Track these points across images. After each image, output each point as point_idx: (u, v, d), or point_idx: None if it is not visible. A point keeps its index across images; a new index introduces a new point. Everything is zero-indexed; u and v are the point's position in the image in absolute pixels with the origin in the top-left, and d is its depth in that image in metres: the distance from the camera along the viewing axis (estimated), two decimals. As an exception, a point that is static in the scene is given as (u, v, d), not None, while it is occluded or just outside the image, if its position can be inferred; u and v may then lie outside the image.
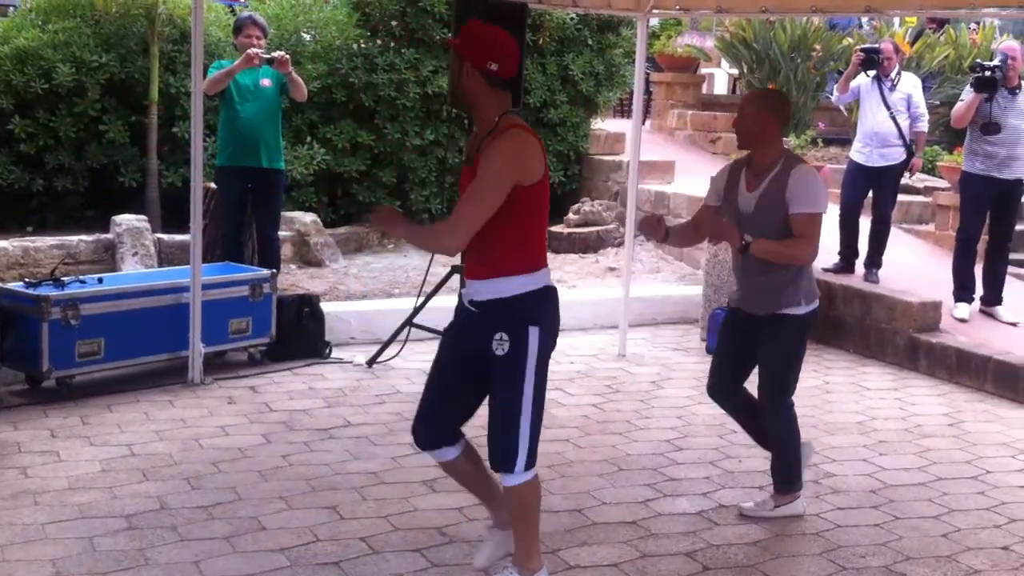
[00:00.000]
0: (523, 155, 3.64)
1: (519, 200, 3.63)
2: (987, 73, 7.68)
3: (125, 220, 8.32)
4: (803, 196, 4.43)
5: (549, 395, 6.31)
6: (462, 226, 3.63)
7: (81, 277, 6.42)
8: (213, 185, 7.80)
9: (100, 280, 6.34)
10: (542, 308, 3.76)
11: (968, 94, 7.83)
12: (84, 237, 8.29)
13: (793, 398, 4.69)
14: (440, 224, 3.68)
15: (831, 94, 9.67)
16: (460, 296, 3.92)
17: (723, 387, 4.82)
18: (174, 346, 6.38)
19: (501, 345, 3.68)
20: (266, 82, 7.32)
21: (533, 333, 3.69)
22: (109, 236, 8.28)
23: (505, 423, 3.72)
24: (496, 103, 3.70)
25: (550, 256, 9.79)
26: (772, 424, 4.69)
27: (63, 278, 6.23)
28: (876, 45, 8.60)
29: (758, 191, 4.52)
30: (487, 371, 3.75)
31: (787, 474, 4.75)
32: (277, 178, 7.49)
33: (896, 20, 13.26)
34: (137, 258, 8.08)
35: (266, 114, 7.33)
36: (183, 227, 7.07)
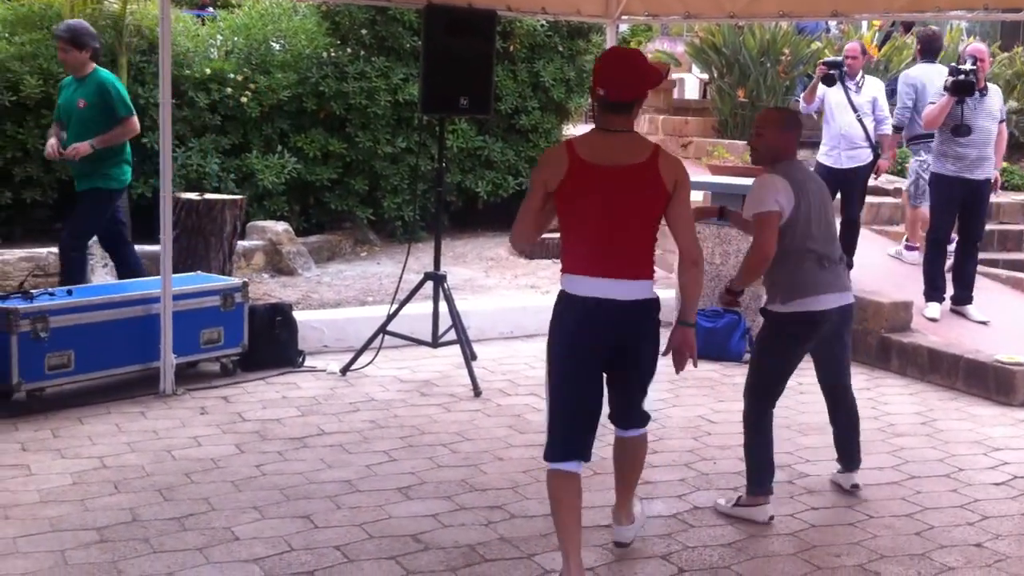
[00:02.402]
0: None
1: None
2: (962, 77, 7.70)
3: (95, 232, 8.24)
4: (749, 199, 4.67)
5: (524, 400, 6.37)
6: None
7: (50, 289, 6.38)
8: (183, 195, 7.72)
9: (69, 292, 6.29)
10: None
11: (940, 97, 7.86)
12: (53, 249, 8.20)
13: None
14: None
15: (799, 98, 9.71)
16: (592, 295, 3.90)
17: None
18: (145, 357, 6.33)
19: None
20: (81, 103, 7.05)
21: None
22: (79, 248, 8.20)
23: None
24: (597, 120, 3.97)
25: (523, 262, 9.94)
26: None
27: (32, 291, 6.20)
28: (839, 58, 8.65)
29: None
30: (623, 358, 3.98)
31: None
32: (82, 197, 7.21)
33: (864, 24, 13.35)
34: (107, 269, 8.01)
35: (78, 135, 7.04)
36: (153, 238, 7.02)
